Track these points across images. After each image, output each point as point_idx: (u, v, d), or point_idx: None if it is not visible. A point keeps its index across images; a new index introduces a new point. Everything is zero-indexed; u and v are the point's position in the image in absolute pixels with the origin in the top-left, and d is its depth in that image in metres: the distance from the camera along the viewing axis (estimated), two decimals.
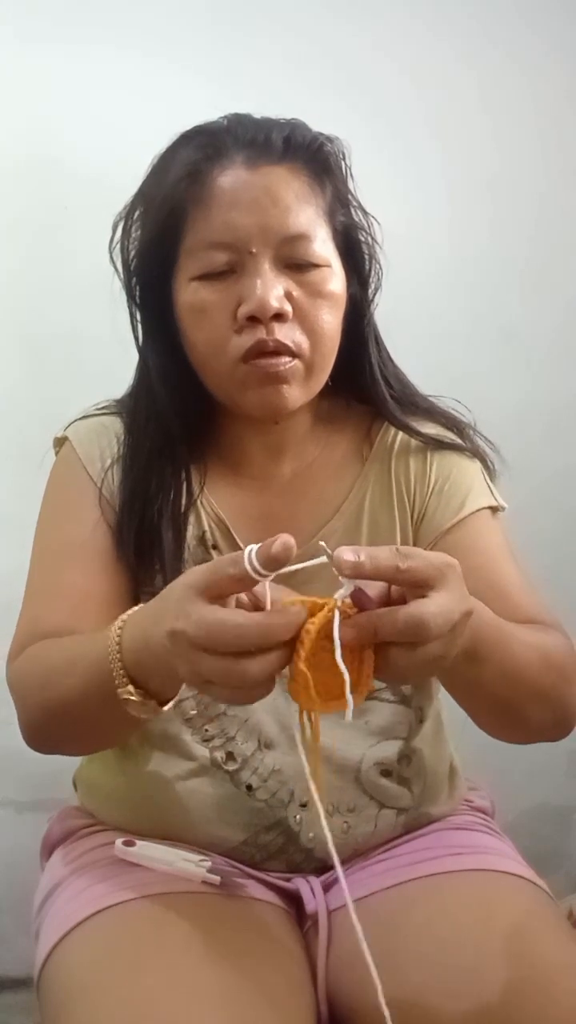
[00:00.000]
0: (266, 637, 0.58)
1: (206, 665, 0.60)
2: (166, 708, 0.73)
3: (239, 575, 0.59)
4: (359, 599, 0.60)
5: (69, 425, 0.98)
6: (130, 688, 0.70)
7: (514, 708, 0.79)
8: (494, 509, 0.95)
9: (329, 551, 0.60)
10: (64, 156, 1.48)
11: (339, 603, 0.59)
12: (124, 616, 0.72)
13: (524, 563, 0.93)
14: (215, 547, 0.92)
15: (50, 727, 0.83)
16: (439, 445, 0.95)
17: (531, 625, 0.84)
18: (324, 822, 0.62)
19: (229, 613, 0.60)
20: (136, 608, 0.73)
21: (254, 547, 0.59)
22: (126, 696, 0.70)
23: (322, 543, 0.61)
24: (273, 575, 0.59)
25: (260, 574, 0.59)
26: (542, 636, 0.83)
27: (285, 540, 0.58)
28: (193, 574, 0.62)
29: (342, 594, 0.60)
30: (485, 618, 0.72)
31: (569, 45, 1.68)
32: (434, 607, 0.59)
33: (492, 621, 0.73)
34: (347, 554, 0.59)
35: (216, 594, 0.61)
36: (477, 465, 0.97)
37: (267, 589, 0.62)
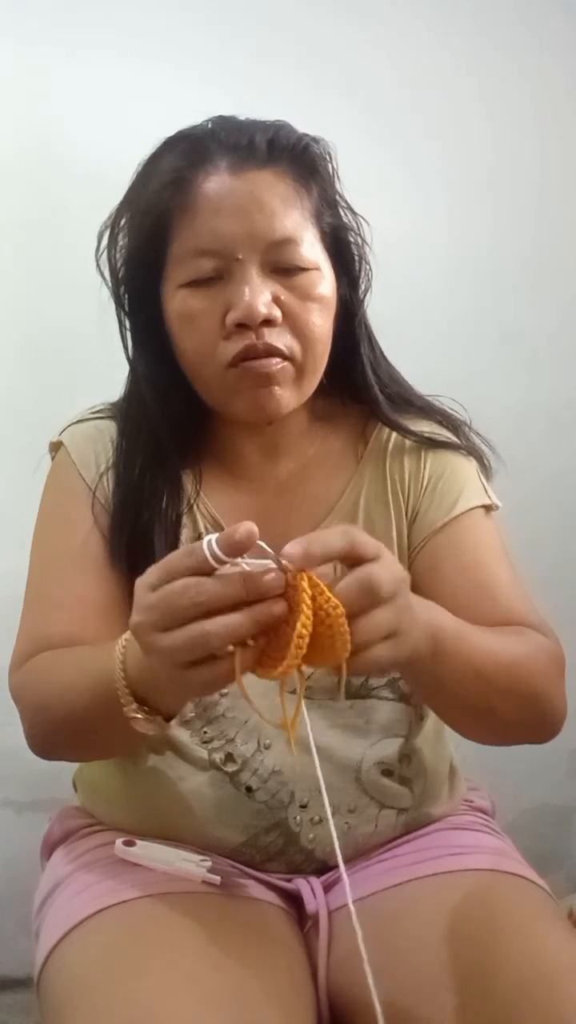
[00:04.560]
0: (224, 586, 0.59)
1: (170, 642, 0.60)
2: (172, 722, 0.74)
3: (195, 564, 0.60)
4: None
5: (64, 429, 0.97)
6: (135, 707, 0.71)
7: (480, 708, 0.79)
8: (488, 508, 0.95)
9: (269, 549, 0.60)
10: (64, 156, 1.48)
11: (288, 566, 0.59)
12: (127, 635, 0.72)
13: (518, 563, 0.92)
14: None
15: (56, 740, 0.84)
16: (433, 443, 0.95)
17: (508, 628, 0.84)
18: (327, 806, 0.63)
19: (174, 583, 0.60)
20: None
21: (214, 535, 0.60)
22: (132, 716, 0.71)
23: (260, 542, 0.60)
24: (233, 563, 0.59)
25: (220, 560, 0.59)
26: (513, 637, 0.83)
27: (248, 527, 0.59)
28: (146, 573, 0.63)
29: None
30: (446, 620, 0.73)
31: (569, 45, 1.68)
32: (379, 566, 0.61)
33: (452, 622, 0.74)
34: (294, 547, 0.59)
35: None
36: (472, 463, 0.97)
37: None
